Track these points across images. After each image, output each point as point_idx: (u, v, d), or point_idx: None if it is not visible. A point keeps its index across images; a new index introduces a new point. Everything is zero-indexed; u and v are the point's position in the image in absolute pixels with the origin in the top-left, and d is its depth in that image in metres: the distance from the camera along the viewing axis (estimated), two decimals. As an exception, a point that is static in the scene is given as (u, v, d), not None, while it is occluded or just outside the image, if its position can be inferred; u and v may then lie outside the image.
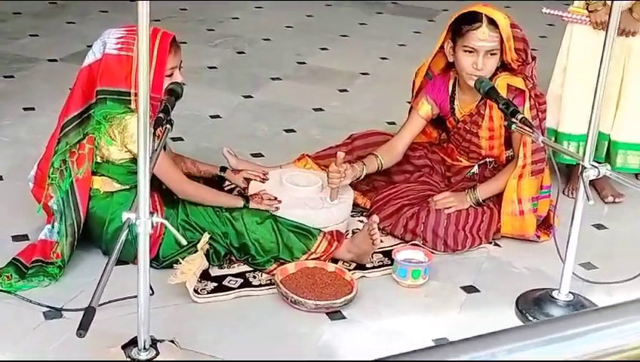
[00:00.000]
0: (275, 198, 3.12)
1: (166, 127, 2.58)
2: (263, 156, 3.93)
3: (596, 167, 2.67)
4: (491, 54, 3.23)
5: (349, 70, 5.25)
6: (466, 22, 3.24)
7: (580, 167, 2.70)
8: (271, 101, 4.66)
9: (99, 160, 2.92)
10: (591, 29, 3.58)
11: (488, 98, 3.12)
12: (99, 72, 2.87)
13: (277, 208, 3.08)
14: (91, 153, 2.89)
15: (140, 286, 2.27)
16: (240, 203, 3.06)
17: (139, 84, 2.09)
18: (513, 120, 2.88)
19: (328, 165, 3.53)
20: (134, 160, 2.83)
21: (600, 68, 2.67)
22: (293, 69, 5.23)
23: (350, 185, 3.48)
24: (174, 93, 2.77)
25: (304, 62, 5.34)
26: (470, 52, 3.23)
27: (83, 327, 1.87)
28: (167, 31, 2.94)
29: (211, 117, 4.39)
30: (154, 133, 2.59)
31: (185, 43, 5.54)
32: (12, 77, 4.69)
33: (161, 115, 2.59)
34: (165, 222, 2.26)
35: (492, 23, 3.20)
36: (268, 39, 5.77)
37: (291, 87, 4.93)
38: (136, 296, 2.28)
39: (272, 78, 5.01)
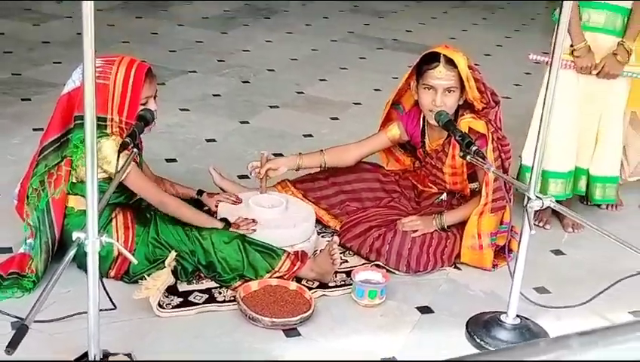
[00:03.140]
0: (253, 220, 2.99)
1: (132, 151, 2.49)
2: (249, 178, 3.79)
3: (540, 199, 2.52)
4: (449, 91, 3.10)
5: (343, 100, 5.11)
6: (426, 62, 3.12)
7: (525, 198, 2.54)
8: (265, 127, 4.53)
9: (74, 180, 2.81)
10: (574, 73, 3.41)
11: (446, 130, 2.98)
12: (77, 99, 2.77)
13: (254, 230, 2.95)
14: (68, 175, 2.78)
15: (89, 302, 2.16)
16: (220, 226, 2.92)
17: (85, 103, 1.97)
18: (467, 151, 2.75)
19: (307, 189, 3.42)
20: (108, 180, 2.72)
21: (545, 99, 2.51)
22: (291, 98, 5.10)
23: (324, 208, 3.36)
24: (143, 119, 2.66)
25: (302, 92, 5.21)
26: (429, 89, 3.11)
27: (12, 345, 1.73)
28: (144, 62, 2.84)
29: (207, 140, 4.27)
30: (118, 155, 2.48)
31: (195, 72, 5.53)
32: (29, 100, 4.61)
33: (127, 139, 2.50)
34: (114, 241, 2.15)
35: (450, 62, 3.08)
36: (272, 70, 5.65)
37: (287, 114, 4.79)
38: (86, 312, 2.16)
39: (271, 106, 4.88)
